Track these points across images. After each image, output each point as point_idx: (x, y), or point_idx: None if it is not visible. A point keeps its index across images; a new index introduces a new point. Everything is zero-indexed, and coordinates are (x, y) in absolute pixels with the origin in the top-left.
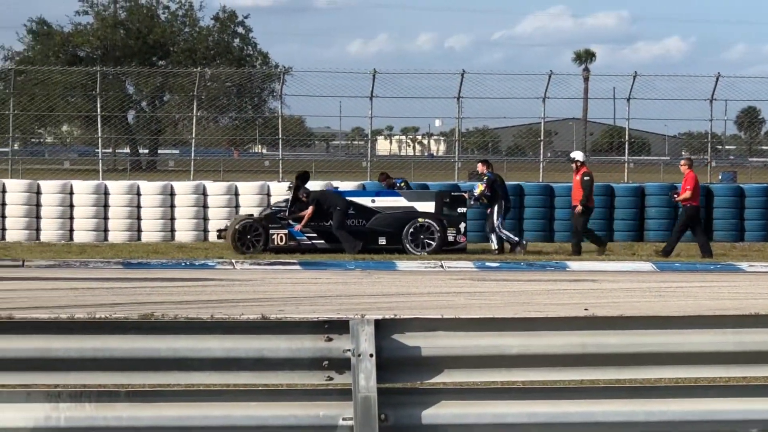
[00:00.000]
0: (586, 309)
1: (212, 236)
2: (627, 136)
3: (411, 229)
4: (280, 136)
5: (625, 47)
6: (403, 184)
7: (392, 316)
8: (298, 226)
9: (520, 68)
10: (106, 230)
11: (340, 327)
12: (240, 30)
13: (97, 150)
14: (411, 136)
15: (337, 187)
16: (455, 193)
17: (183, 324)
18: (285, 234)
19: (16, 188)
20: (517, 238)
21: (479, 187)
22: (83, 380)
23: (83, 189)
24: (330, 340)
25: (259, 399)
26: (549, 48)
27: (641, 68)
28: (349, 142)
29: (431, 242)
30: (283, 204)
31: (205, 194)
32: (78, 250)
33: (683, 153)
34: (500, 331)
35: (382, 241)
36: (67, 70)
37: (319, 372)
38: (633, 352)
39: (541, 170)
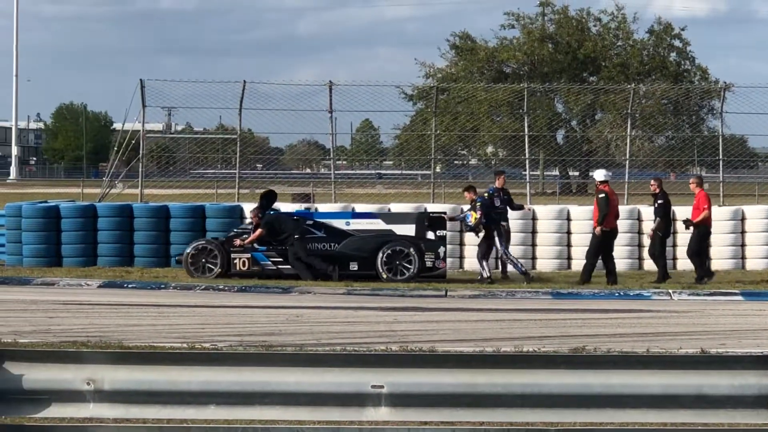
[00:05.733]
0: None
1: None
2: None
3: (385, 255)
4: (720, 156)
5: None
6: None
7: None
8: (245, 242)
9: None
10: (533, 258)
11: None
12: (677, 43)
13: (524, 172)
14: None
15: (308, 209)
16: (434, 214)
17: (617, 358)
18: (248, 258)
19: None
20: (524, 268)
21: (473, 216)
22: (510, 417)
23: None
24: None
25: None
26: None
27: None
28: None
29: (408, 268)
30: (250, 226)
31: (639, 219)
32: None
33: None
34: None
35: (354, 266)
36: (492, 87)
37: (763, 411)
38: None
39: None
